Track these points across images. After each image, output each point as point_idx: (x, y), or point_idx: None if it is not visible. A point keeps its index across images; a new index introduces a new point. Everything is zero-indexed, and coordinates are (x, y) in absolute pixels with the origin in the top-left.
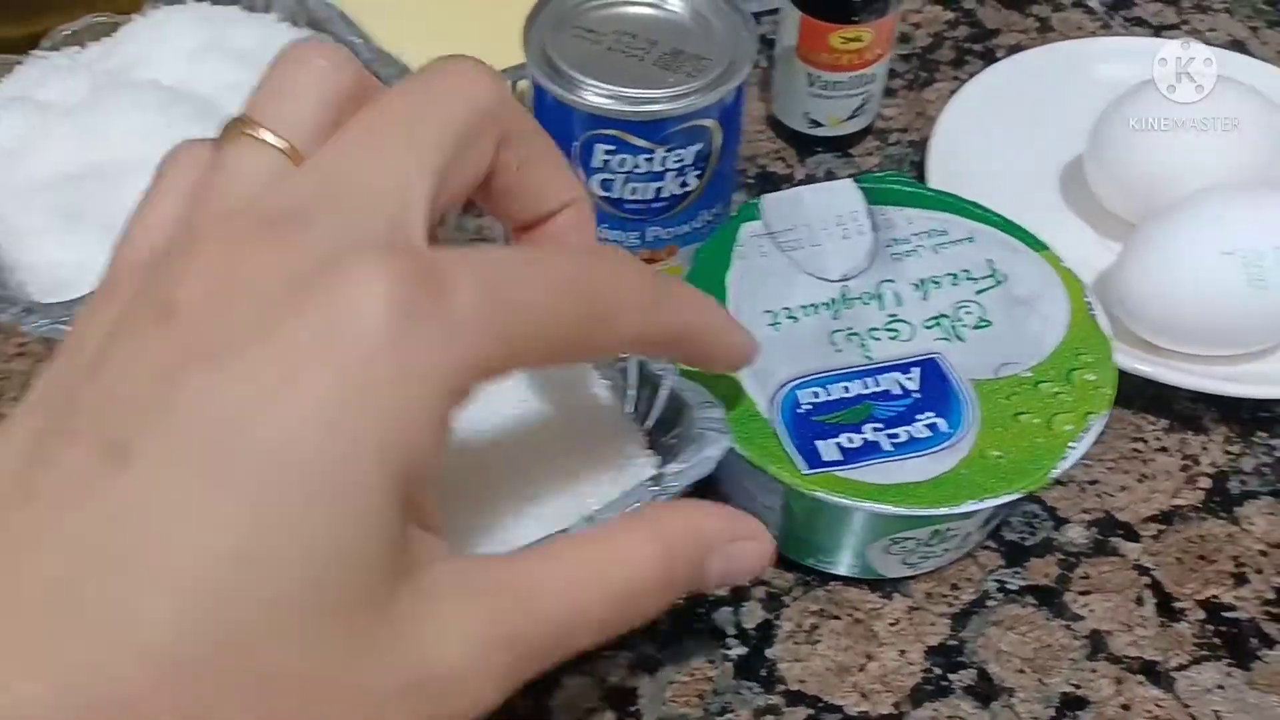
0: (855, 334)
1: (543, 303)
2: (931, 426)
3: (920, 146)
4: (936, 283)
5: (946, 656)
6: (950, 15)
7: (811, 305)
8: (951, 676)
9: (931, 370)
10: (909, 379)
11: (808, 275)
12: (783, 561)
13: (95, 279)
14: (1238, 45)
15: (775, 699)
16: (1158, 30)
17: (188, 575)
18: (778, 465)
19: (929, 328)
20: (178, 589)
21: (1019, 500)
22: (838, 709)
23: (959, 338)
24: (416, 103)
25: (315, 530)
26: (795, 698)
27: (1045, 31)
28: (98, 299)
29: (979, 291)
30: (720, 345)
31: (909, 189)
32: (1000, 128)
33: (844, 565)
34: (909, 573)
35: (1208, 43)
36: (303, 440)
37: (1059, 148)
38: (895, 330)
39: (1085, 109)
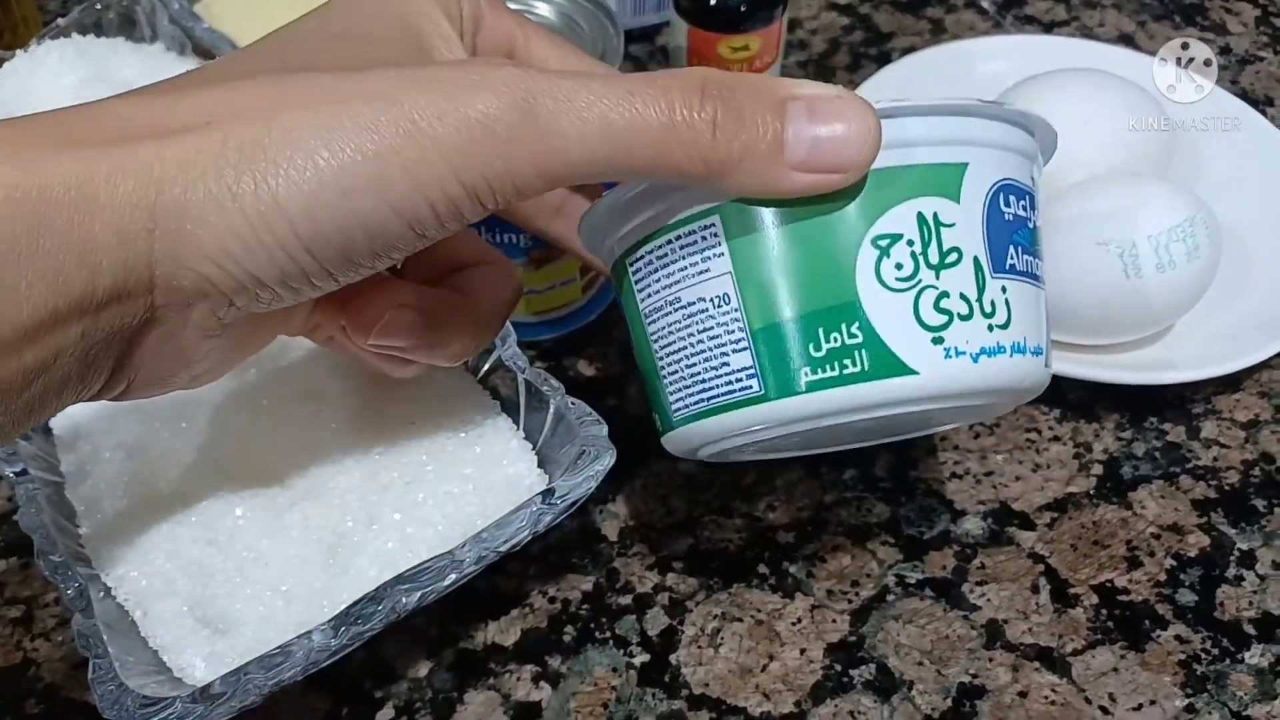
0: None
1: None
2: None
3: None
4: None
5: (847, 652)
6: (846, 21)
7: None
8: (852, 672)
9: None
10: None
11: None
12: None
13: None
14: (1126, 39)
15: (679, 704)
16: (1049, 27)
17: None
18: None
19: None
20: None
21: None
22: (740, 710)
23: None
24: None
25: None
26: (698, 701)
27: (938, 33)
28: None
29: None
30: None
31: None
32: None
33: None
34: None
35: (1096, 38)
36: None
37: None
38: None
39: None
